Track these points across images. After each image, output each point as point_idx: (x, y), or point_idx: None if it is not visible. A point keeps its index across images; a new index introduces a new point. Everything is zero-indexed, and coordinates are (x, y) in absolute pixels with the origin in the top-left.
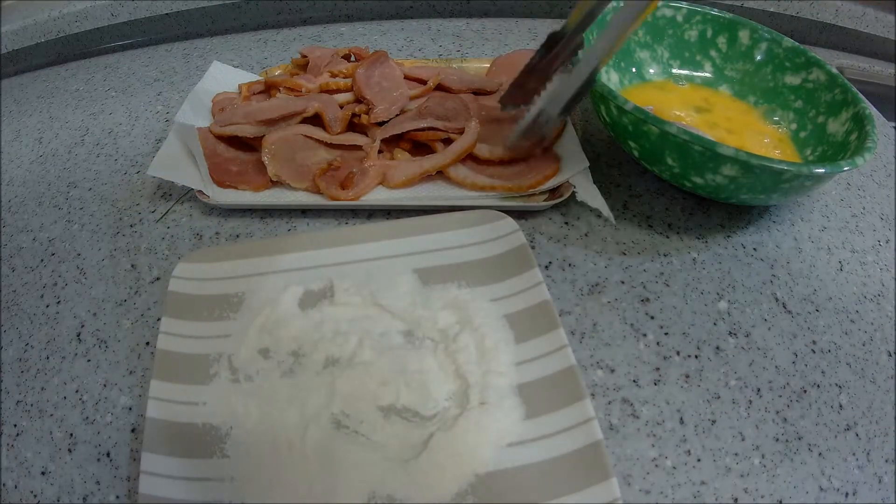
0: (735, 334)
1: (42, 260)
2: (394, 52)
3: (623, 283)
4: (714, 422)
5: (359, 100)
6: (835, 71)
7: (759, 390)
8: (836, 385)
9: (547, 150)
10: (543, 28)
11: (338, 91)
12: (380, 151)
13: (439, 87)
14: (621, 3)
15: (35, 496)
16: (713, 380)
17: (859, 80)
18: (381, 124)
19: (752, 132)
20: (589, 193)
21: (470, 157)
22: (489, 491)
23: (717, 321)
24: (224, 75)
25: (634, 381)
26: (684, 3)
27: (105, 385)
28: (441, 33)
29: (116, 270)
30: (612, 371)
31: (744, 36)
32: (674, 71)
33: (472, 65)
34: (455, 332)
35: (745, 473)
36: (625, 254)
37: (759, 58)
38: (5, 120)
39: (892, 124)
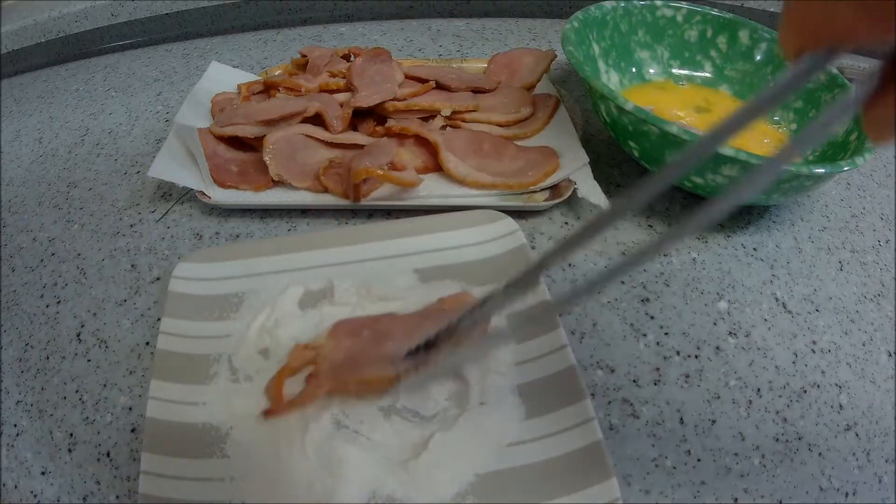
0: (735, 334)
1: (42, 260)
2: (394, 52)
3: (623, 283)
4: (714, 422)
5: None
6: (835, 71)
7: (759, 390)
8: (836, 385)
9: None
10: (543, 28)
11: (337, 91)
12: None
13: (438, 86)
14: None
15: (35, 496)
16: (713, 380)
17: (859, 81)
18: (364, 114)
19: (752, 132)
20: (590, 190)
21: (472, 152)
22: (489, 491)
23: (717, 321)
24: (223, 75)
25: (634, 381)
26: (684, 3)
27: (105, 385)
28: (441, 33)
29: (116, 270)
30: (612, 371)
31: (744, 36)
32: (674, 71)
33: (472, 65)
34: None
35: (745, 473)
36: (625, 254)
37: (759, 58)
38: (5, 120)
39: None
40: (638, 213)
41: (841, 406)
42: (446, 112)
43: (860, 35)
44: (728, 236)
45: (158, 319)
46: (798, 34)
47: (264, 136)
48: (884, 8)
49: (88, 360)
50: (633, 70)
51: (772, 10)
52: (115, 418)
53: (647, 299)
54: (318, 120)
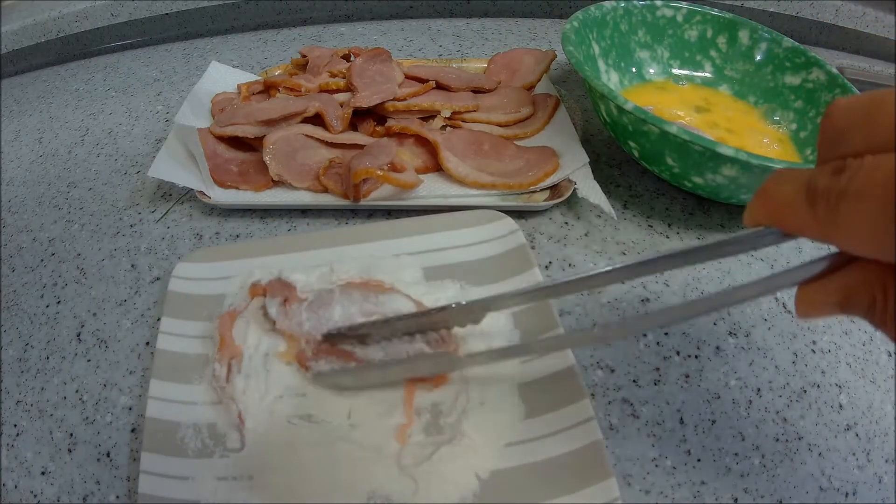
0: (735, 334)
1: (42, 260)
2: (394, 52)
3: (623, 283)
4: (714, 422)
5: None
6: (835, 71)
7: (759, 390)
8: (836, 385)
9: None
10: (543, 28)
11: (337, 91)
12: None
13: (438, 86)
14: None
15: (35, 496)
16: (713, 380)
17: (859, 80)
18: (364, 114)
19: (752, 132)
20: (590, 190)
21: (472, 152)
22: (489, 491)
23: (717, 321)
24: (223, 75)
25: (634, 381)
26: (684, 3)
27: (105, 385)
28: (441, 33)
29: (116, 270)
30: (612, 371)
31: (744, 36)
32: (674, 71)
33: (472, 64)
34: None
35: (745, 473)
36: (625, 254)
37: (759, 58)
38: (5, 120)
39: None
40: (638, 213)
41: (841, 406)
42: (446, 112)
43: (807, 235)
44: (728, 236)
45: (158, 319)
46: (763, 212)
47: (264, 136)
48: (830, 220)
49: (88, 360)
50: (633, 70)
51: (772, 10)
52: (115, 418)
53: (647, 299)
54: (318, 120)
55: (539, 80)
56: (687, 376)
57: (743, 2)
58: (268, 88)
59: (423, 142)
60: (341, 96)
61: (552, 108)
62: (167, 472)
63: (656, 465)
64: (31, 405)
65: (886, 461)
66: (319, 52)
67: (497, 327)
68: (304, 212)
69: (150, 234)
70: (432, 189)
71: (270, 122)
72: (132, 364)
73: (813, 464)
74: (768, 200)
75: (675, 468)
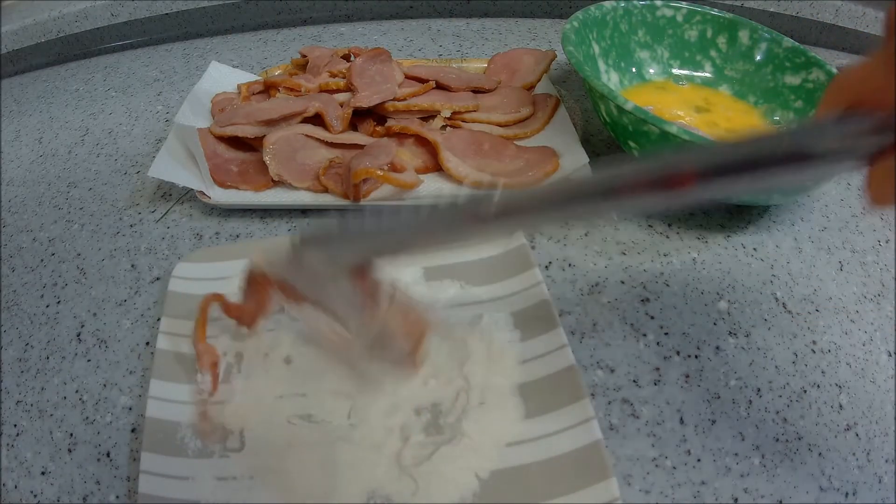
0: (735, 334)
1: (42, 260)
2: (394, 52)
3: (623, 283)
4: (714, 422)
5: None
6: (835, 71)
7: (759, 390)
8: (836, 385)
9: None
10: (543, 28)
11: (337, 91)
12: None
13: (438, 86)
14: None
15: (35, 496)
16: (713, 380)
17: None
18: (364, 114)
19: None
20: None
21: (472, 152)
22: (490, 491)
23: (717, 321)
24: (223, 75)
25: (634, 381)
26: (684, 3)
27: (105, 385)
28: (441, 33)
29: (116, 270)
30: (612, 371)
31: (744, 36)
32: (674, 71)
33: (472, 64)
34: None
35: (745, 473)
36: (625, 254)
37: (759, 58)
38: (5, 120)
39: None
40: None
41: (841, 406)
42: (446, 112)
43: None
44: (728, 236)
45: (158, 319)
46: (844, 92)
47: (264, 136)
48: None
49: (88, 360)
50: (633, 70)
51: (772, 10)
52: (115, 418)
53: (647, 299)
54: (318, 120)
55: (539, 80)
56: (687, 376)
57: (743, 2)
58: (268, 88)
59: (423, 142)
60: (341, 96)
61: (552, 108)
62: (167, 472)
63: (656, 465)
64: (31, 405)
65: (886, 461)
66: (319, 52)
67: (497, 327)
68: (305, 212)
69: (150, 234)
70: (432, 189)
71: (270, 122)
72: (132, 364)
73: (813, 464)
74: (850, 81)
75: (675, 468)
